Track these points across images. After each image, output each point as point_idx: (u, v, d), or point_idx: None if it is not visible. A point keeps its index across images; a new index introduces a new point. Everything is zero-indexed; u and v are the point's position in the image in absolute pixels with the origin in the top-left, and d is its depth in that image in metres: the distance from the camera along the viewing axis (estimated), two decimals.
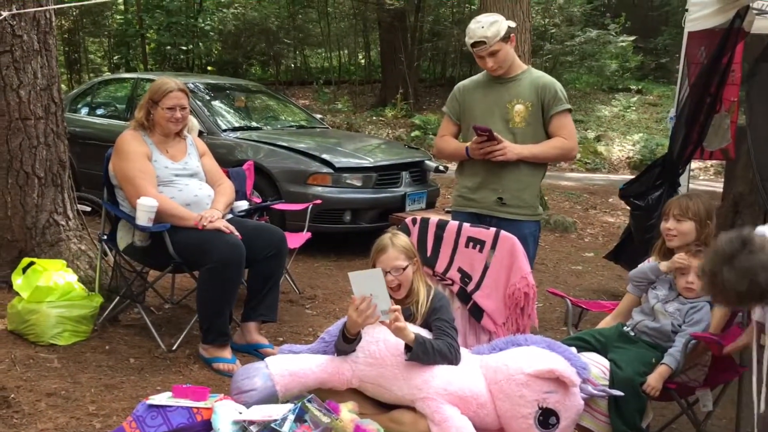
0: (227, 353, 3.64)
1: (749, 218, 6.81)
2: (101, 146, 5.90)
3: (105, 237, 3.99)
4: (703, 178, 12.84)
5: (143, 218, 3.55)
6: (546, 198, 8.95)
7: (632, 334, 2.91)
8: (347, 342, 2.64)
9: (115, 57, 21.03)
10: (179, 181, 3.77)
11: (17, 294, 3.78)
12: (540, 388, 2.43)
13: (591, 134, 15.16)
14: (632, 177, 5.14)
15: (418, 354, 2.55)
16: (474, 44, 3.33)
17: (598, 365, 2.76)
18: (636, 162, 13.91)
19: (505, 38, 3.32)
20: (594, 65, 17.38)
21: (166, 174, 3.75)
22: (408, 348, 2.58)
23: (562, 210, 9.21)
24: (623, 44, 17.28)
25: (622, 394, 2.60)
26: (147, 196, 3.56)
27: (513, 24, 3.43)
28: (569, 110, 3.42)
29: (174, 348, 3.76)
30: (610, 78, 17.99)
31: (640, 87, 18.19)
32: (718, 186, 8.22)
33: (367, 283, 2.54)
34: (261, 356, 3.72)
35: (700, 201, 2.97)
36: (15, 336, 3.70)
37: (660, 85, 18.65)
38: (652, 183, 4.42)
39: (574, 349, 2.72)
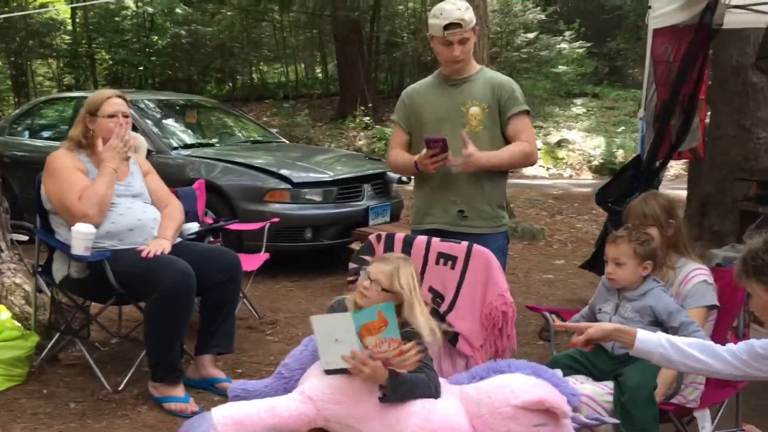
0: (180, 391, 3.31)
1: (716, 219, 6.76)
2: None
3: (40, 269, 3.63)
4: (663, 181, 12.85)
5: (79, 247, 3.21)
6: (511, 205, 8.78)
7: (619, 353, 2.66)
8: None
9: (65, 78, 20.48)
10: (121, 202, 3.44)
11: None
12: (529, 421, 2.16)
13: (552, 139, 15.16)
14: (602, 182, 4.96)
15: (391, 396, 2.27)
16: (447, 26, 2.97)
17: (597, 385, 2.54)
18: (597, 166, 13.99)
19: (474, 30, 3.06)
20: (551, 72, 17.48)
21: None
22: (382, 388, 2.28)
23: (528, 217, 9.04)
24: (579, 50, 17.42)
25: (617, 421, 2.36)
26: (82, 222, 3.23)
27: None
28: (527, 111, 3.13)
29: (120, 388, 3.41)
30: (567, 84, 18.10)
31: (596, 91, 18.32)
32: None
33: (332, 329, 2.23)
34: (218, 392, 3.44)
35: (655, 202, 2.79)
36: None
37: (615, 88, 18.82)
38: (627, 187, 4.23)
39: (559, 372, 2.47)
